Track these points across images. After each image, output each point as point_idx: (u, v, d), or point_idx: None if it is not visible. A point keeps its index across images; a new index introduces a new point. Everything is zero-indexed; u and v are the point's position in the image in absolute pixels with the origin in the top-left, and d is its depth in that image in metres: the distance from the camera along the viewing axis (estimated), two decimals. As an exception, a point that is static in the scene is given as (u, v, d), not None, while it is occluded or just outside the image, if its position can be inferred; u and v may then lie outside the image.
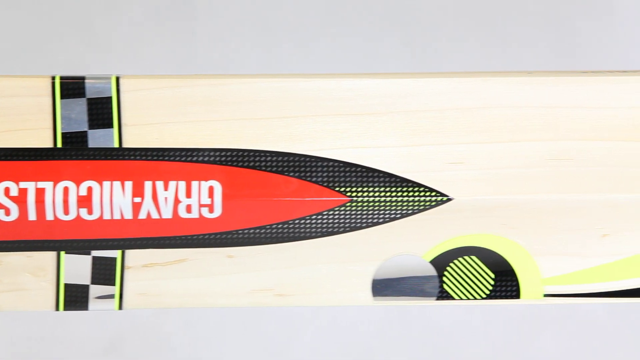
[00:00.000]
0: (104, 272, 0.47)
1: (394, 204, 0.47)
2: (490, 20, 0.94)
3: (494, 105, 0.47)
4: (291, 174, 0.47)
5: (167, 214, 0.46)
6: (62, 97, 0.47)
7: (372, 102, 0.47)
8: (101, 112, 0.47)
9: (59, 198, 0.46)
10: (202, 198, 0.46)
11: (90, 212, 0.46)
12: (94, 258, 0.47)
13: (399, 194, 0.47)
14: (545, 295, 0.48)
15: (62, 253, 0.47)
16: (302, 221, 0.47)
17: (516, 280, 0.48)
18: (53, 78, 0.47)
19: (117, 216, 0.46)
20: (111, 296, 0.47)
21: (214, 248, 0.47)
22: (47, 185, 0.46)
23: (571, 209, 0.47)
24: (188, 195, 0.46)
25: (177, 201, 0.46)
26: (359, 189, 0.47)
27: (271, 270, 0.47)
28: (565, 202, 0.47)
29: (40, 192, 0.46)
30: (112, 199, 0.46)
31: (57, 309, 0.47)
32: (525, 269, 0.48)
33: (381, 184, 0.47)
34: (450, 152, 0.47)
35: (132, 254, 0.47)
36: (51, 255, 0.47)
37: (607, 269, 0.48)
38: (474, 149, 0.47)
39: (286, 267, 0.47)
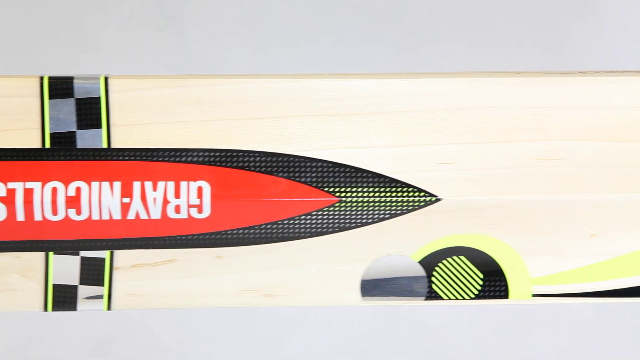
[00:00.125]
0: (93, 273, 0.47)
1: (383, 204, 0.47)
2: (480, 21, 0.94)
3: (483, 105, 0.47)
4: (280, 174, 0.47)
5: (155, 214, 0.46)
6: (51, 97, 0.46)
7: (362, 103, 0.47)
8: (90, 112, 0.46)
9: (48, 198, 0.46)
10: (191, 198, 0.46)
11: (78, 213, 0.46)
12: (83, 258, 0.47)
13: (388, 194, 0.47)
14: (534, 295, 0.48)
15: (51, 253, 0.47)
16: (291, 221, 0.47)
17: (505, 280, 0.48)
18: (41, 78, 0.47)
19: (105, 217, 0.46)
20: (100, 297, 0.47)
21: (202, 248, 0.47)
22: (35, 185, 0.46)
23: (559, 209, 0.47)
24: (177, 195, 0.46)
25: (165, 201, 0.46)
26: (348, 189, 0.47)
27: (260, 270, 0.47)
28: (553, 202, 0.47)
29: (28, 193, 0.46)
30: (101, 200, 0.46)
31: (45, 309, 0.47)
32: (513, 269, 0.48)
33: (370, 184, 0.47)
34: (439, 153, 0.47)
35: (120, 255, 0.47)
36: (40, 255, 0.47)
37: (595, 269, 0.48)
38: (463, 150, 0.47)
39: (275, 268, 0.47)
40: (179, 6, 0.94)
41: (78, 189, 0.46)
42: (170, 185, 0.46)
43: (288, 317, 0.92)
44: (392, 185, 0.47)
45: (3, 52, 0.93)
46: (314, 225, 0.47)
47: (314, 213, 0.47)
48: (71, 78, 0.47)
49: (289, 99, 0.47)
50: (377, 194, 0.47)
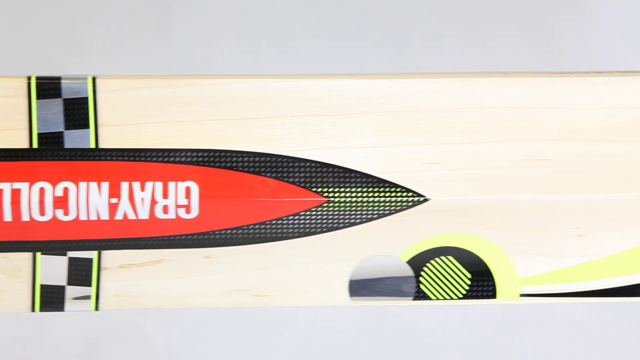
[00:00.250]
0: (80, 273, 0.47)
1: (371, 204, 0.47)
2: (468, 21, 0.94)
3: (471, 106, 0.47)
4: (268, 174, 0.47)
5: (143, 214, 0.46)
6: (38, 97, 0.46)
7: (350, 103, 0.47)
8: (77, 112, 0.46)
9: (35, 199, 0.46)
10: (179, 199, 0.46)
11: (66, 213, 0.46)
12: (70, 259, 0.47)
13: (376, 194, 0.47)
14: (522, 295, 0.48)
15: (38, 254, 0.47)
16: (279, 221, 0.47)
17: (492, 280, 0.48)
18: (29, 78, 0.47)
19: (93, 217, 0.46)
20: (87, 297, 0.47)
21: (190, 249, 0.47)
22: (22, 185, 0.46)
23: (547, 209, 0.47)
24: (165, 195, 0.46)
25: (153, 202, 0.46)
26: (336, 190, 0.47)
27: (248, 270, 0.47)
28: (541, 202, 0.47)
29: (15, 193, 0.46)
30: (89, 200, 0.46)
31: (33, 310, 0.47)
32: (501, 269, 0.48)
33: (358, 185, 0.47)
34: (427, 153, 0.47)
35: (108, 255, 0.47)
36: (27, 256, 0.47)
37: (583, 269, 0.48)
38: (451, 150, 0.47)
39: (263, 268, 0.47)
40: (168, 6, 0.94)
41: (66, 189, 0.46)
42: (158, 185, 0.46)
43: (277, 317, 0.92)
44: (380, 185, 0.47)
45: (-9, 52, 0.93)
46: (302, 226, 0.47)
47: (302, 213, 0.47)
48: (59, 78, 0.47)
49: (278, 99, 0.47)
50: (365, 194, 0.47)
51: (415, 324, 0.92)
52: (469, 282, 0.48)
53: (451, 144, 0.47)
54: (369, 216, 0.47)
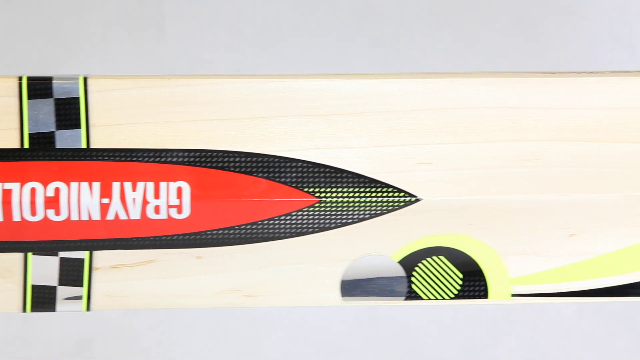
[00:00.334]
0: (72, 273, 0.47)
1: (362, 204, 0.47)
2: (459, 22, 0.95)
3: (462, 106, 0.47)
4: (260, 174, 0.47)
5: (135, 214, 0.46)
6: (30, 97, 0.46)
7: (342, 103, 0.47)
8: (69, 112, 0.46)
9: (26, 199, 0.46)
10: (171, 199, 0.46)
11: (57, 213, 0.46)
12: (62, 259, 0.47)
13: (368, 194, 0.47)
14: (513, 295, 0.48)
15: (30, 254, 0.47)
16: (271, 222, 0.47)
17: (484, 280, 0.48)
18: (20, 78, 0.46)
19: (84, 217, 0.46)
20: (79, 297, 0.47)
21: (182, 249, 0.47)
22: (14, 186, 0.46)
23: (538, 209, 0.47)
24: (156, 196, 0.46)
25: (145, 202, 0.46)
26: (328, 190, 0.47)
27: (240, 270, 0.47)
28: (532, 202, 0.47)
29: (7, 193, 0.46)
30: (80, 200, 0.46)
31: (24, 310, 0.47)
32: (493, 269, 0.48)
33: (350, 185, 0.47)
34: (418, 153, 0.47)
35: (100, 255, 0.47)
36: (18, 256, 0.47)
37: (574, 269, 0.48)
38: (443, 150, 0.47)
39: (255, 268, 0.47)
40: (159, 6, 0.93)
41: (57, 190, 0.46)
42: (150, 185, 0.46)
43: (269, 316, 0.92)
44: (372, 185, 0.47)
45: (-18, 52, 0.93)
46: (294, 226, 0.47)
47: (294, 213, 0.47)
48: (50, 78, 0.47)
49: (269, 99, 0.47)
50: (357, 194, 0.47)
51: (408, 324, 0.92)
52: (460, 282, 0.48)
53: (443, 144, 0.47)
54: (361, 216, 0.47)
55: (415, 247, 0.48)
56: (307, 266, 0.47)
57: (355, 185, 0.47)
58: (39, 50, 0.92)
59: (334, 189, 0.47)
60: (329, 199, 0.47)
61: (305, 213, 0.47)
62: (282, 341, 0.92)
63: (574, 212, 0.47)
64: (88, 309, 0.47)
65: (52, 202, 0.46)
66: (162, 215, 0.46)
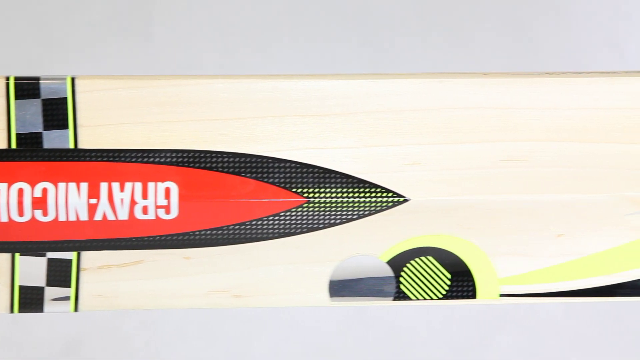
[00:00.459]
0: (60, 274, 0.47)
1: (351, 204, 0.47)
2: (448, 22, 0.95)
3: (450, 106, 0.47)
4: (248, 175, 0.47)
5: (123, 215, 0.46)
6: (17, 97, 0.46)
7: (330, 103, 0.47)
8: (56, 113, 0.46)
9: (14, 199, 0.46)
10: (159, 199, 0.46)
11: (45, 214, 0.46)
12: (49, 260, 0.47)
13: (356, 194, 0.47)
14: (501, 295, 0.48)
15: (17, 255, 0.47)
16: (259, 222, 0.47)
17: (472, 280, 0.48)
18: (7, 78, 0.46)
19: (72, 218, 0.46)
20: (67, 298, 0.47)
21: (170, 249, 0.47)
22: (1, 186, 0.46)
23: (526, 210, 0.47)
24: (144, 196, 0.46)
25: (133, 202, 0.46)
26: (316, 190, 0.47)
27: (228, 271, 0.47)
28: (520, 202, 0.47)
29: (-6, 194, 0.46)
30: (68, 201, 0.46)
31: (11, 311, 0.47)
32: (481, 269, 0.48)
33: (338, 185, 0.47)
34: (407, 153, 0.47)
35: (87, 256, 0.47)
36: (5, 257, 0.47)
37: (562, 269, 0.48)
38: (431, 150, 0.47)
39: (243, 268, 0.47)
40: (147, 7, 0.93)
41: (44, 190, 0.46)
42: (138, 186, 0.46)
43: (258, 317, 0.92)
44: (360, 185, 0.47)
45: (-30, 52, 0.92)
46: (282, 226, 0.47)
47: (282, 214, 0.47)
48: (37, 78, 0.46)
49: (257, 99, 0.47)
50: (345, 195, 0.47)
51: (398, 324, 0.92)
52: (448, 283, 0.48)
53: (431, 145, 0.47)
54: (349, 216, 0.47)
55: (403, 247, 0.48)
56: (296, 266, 0.47)
57: (344, 185, 0.47)
58: (27, 50, 0.92)
59: (322, 189, 0.47)
60: (317, 199, 0.47)
61: (293, 213, 0.47)
62: (272, 341, 0.92)
63: (562, 212, 0.48)
64: (76, 309, 0.47)
65: (40, 203, 0.46)
66: (150, 216, 0.46)
